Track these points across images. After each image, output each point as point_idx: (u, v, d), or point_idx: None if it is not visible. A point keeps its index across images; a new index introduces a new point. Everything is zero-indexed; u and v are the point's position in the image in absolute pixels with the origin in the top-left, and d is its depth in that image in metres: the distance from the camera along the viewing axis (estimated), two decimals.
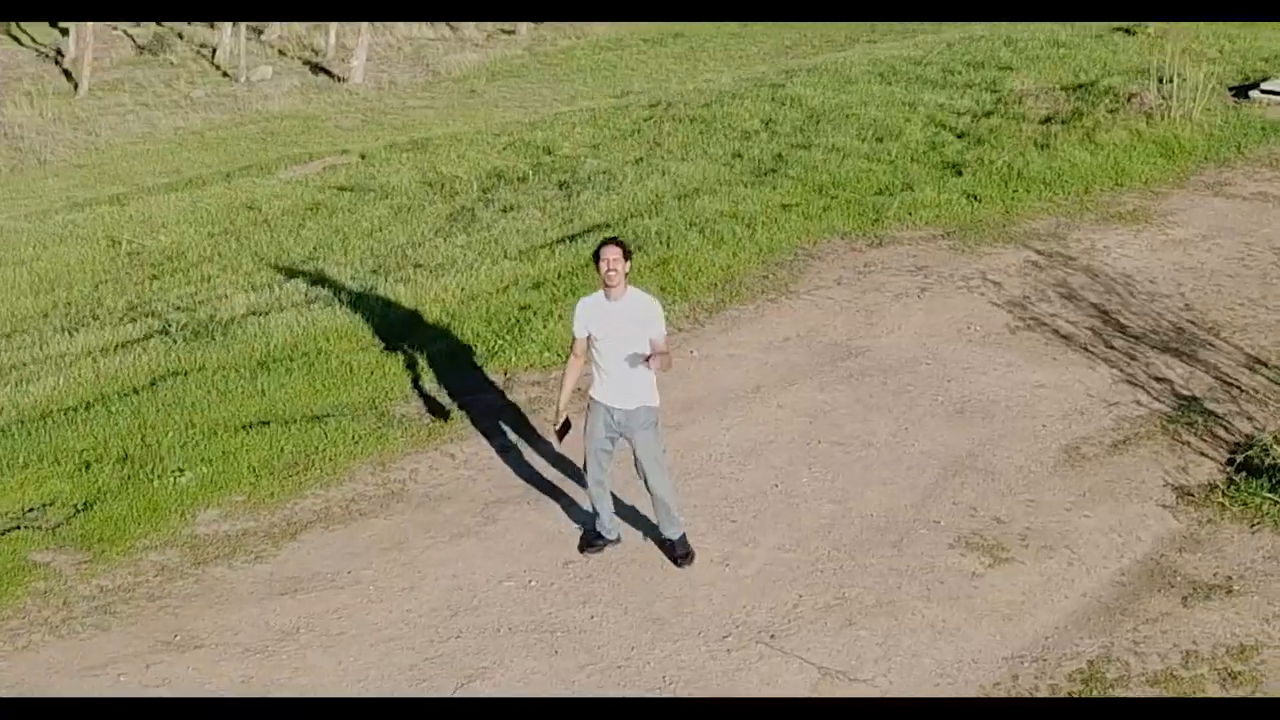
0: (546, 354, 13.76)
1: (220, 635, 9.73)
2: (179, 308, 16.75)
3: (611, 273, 9.91)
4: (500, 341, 14.04)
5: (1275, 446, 11.56)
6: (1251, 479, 11.35)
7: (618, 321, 10.06)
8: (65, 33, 43.14)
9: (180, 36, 44.94)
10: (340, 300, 15.66)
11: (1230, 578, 10.38)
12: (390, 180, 24.05)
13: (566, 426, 10.49)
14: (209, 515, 11.34)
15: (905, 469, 11.93)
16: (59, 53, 43.57)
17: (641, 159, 21.69)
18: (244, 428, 12.55)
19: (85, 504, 11.37)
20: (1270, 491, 11.15)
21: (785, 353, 14.02)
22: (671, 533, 10.63)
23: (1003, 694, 9.08)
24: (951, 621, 9.87)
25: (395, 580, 10.40)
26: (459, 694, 9.07)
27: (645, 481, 10.47)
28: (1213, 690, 9.09)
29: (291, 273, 17.98)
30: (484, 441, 12.43)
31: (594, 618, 9.95)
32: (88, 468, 11.81)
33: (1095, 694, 9.05)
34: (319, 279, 17.13)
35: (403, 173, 24.55)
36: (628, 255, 10.06)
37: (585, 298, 10.37)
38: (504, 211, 19.84)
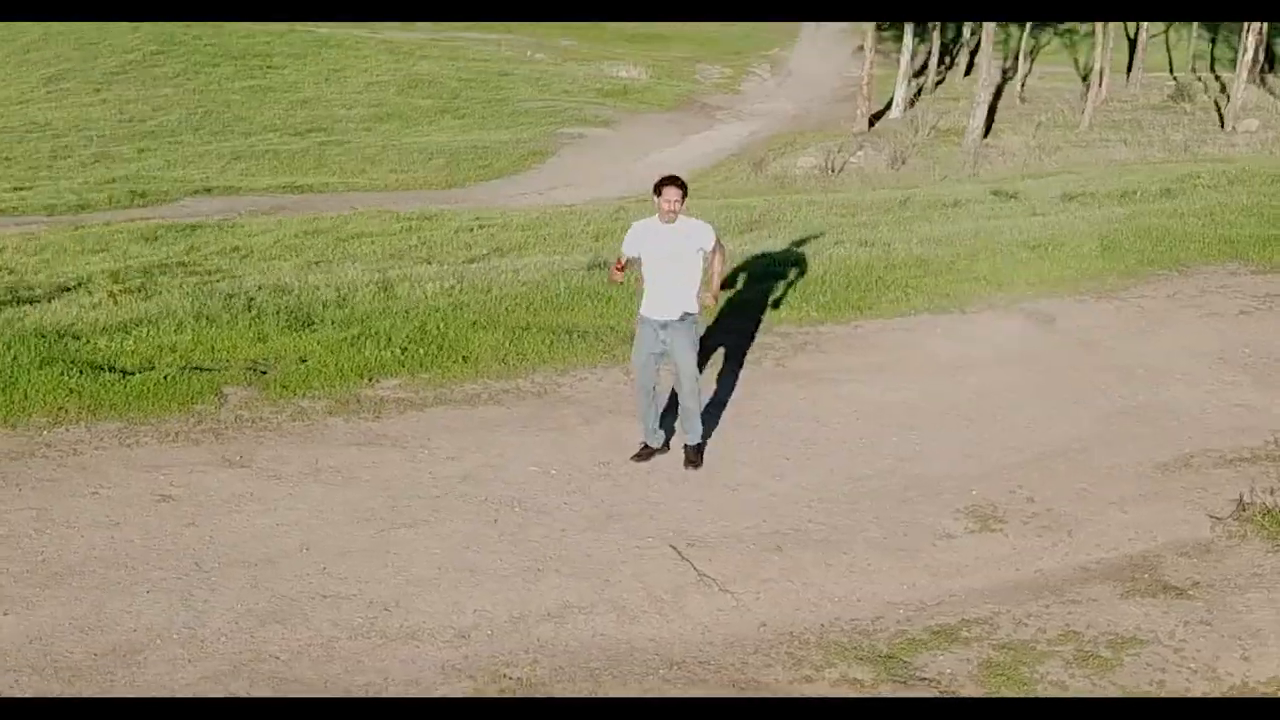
0: None
1: (268, 463, 11.22)
2: None
3: (671, 207, 10.74)
4: None
5: None
6: None
7: (667, 241, 10.86)
8: (1084, 78, 46.80)
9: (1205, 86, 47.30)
10: None
11: (1198, 584, 9.61)
12: None
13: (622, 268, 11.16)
14: (391, 383, 12.91)
15: (1006, 448, 11.71)
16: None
17: None
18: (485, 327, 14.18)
19: (301, 359, 13.32)
20: None
21: None
22: (690, 439, 11.36)
23: (855, 630, 9.09)
24: (877, 566, 9.78)
25: (447, 450, 11.51)
26: (380, 535, 10.14)
27: (682, 390, 11.20)
28: (1049, 666, 8.64)
29: None
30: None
31: (565, 504, 10.64)
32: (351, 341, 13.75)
33: (938, 646, 8.87)
34: None
35: None
36: (684, 193, 10.82)
37: (639, 220, 11.17)
38: None
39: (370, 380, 12.88)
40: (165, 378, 12.73)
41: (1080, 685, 8.44)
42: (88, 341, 13.87)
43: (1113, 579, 9.68)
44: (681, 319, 10.97)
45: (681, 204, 10.81)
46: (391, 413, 12.26)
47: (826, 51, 43.39)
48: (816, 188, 33.23)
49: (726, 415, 12.33)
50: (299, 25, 57.98)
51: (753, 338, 14.16)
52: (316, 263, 21.88)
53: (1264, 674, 8.50)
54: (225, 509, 10.40)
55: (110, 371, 12.81)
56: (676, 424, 11.57)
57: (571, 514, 10.45)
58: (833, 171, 37.35)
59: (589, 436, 11.86)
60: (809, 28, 60.91)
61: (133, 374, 12.85)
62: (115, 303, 16.27)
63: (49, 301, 16.81)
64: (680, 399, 11.33)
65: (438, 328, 14.10)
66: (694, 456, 11.37)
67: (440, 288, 16.17)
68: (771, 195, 30.42)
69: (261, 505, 10.46)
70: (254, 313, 14.71)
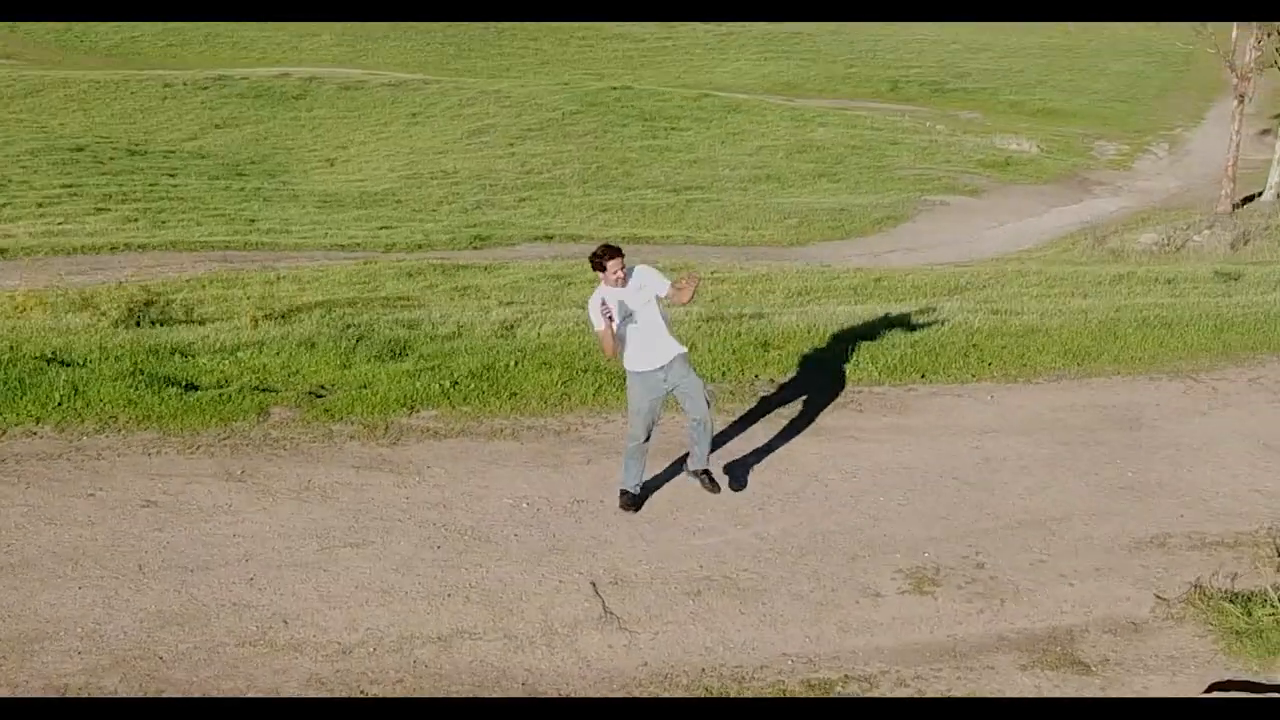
0: None
1: (263, 479, 11.62)
2: None
3: (617, 275, 10.78)
4: None
5: None
6: (1247, 599, 9.70)
7: (631, 300, 10.90)
8: None
9: None
10: None
11: (1108, 661, 9.26)
12: None
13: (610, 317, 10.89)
14: (429, 413, 13.20)
15: (985, 514, 11.39)
16: None
17: None
18: (551, 367, 14.39)
19: (361, 386, 13.75)
20: (1243, 609, 9.54)
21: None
22: (699, 465, 11.42)
23: (732, 677, 9.00)
24: (790, 617, 9.69)
25: (438, 478, 11.74)
26: (322, 552, 10.42)
27: (690, 415, 11.19)
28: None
29: None
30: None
31: (515, 536, 10.76)
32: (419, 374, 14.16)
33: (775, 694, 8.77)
34: None
35: None
36: (620, 257, 10.83)
37: (594, 294, 10.98)
38: None
39: (412, 410, 13.22)
40: (224, 395, 13.33)
41: None
42: (190, 359, 14.62)
43: (1023, 650, 9.38)
44: (679, 356, 11.05)
45: (621, 271, 10.82)
46: (410, 440, 12.58)
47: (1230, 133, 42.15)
48: (1117, 260, 32.26)
49: (728, 463, 12.26)
50: (713, 91, 59.61)
51: (798, 394, 14.02)
52: (510, 303, 22.24)
53: None
54: (198, 518, 10.86)
55: (177, 386, 13.47)
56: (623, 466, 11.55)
57: (516, 546, 10.59)
58: (1173, 248, 36.38)
59: (582, 475, 11.94)
60: (1216, 109, 59.41)
61: (197, 389, 13.50)
62: (254, 326, 17.03)
63: (201, 324, 17.67)
64: (695, 429, 11.27)
65: (506, 365, 14.36)
66: (707, 483, 11.45)
67: (555, 330, 16.41)
68: (1023, 263, 29.70)
69: (232, 517, 10.89)
70: (356, 343, 15.23)
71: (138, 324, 17.08)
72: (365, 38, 76.41)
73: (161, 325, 16.94)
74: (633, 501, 11.38)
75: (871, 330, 16.03)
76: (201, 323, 17.55)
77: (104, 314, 17.22)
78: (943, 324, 16.47)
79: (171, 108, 53.99)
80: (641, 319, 10.98)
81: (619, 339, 10.96)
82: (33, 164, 40.23)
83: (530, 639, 9.31)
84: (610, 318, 10.79)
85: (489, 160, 45.12)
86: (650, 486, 11.62)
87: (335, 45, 74.56)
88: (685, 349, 11.23)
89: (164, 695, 8.47)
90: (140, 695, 8.46)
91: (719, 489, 11.47)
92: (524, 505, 11.29)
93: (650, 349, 11.05)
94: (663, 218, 37.37)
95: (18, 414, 12.76)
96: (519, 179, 42.34)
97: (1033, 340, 15.86)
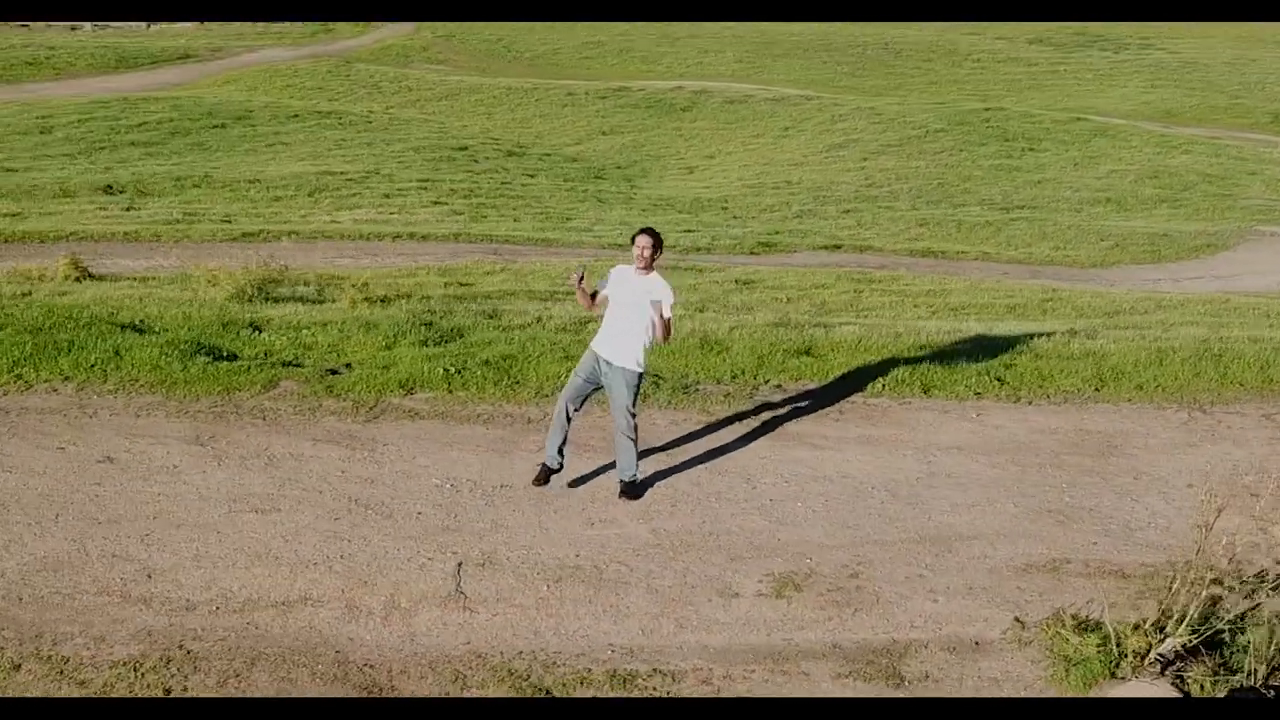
0: None
1: (224, 446, 12.08)
2: None
3: (641, 254, 10.96)
4: None
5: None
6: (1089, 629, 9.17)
7: (633, 289, 11.05)
8: None
9: None
10: None
11: (928, 678, 8.99)
12: None
13: (581, 278, 11.10)
14: (424, 395, 13.47)
15: (895, 526, 11.05)
16: None
17: None
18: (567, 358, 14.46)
19: (383, 367, 14.13)
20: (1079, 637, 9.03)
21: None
22: (624, 475, 11.49)
23: (540, 662, 9.01)
24: (633, 610, 9.68)
25: (389, 456, 12.01)
26: (226, 516, 10.79)
27: (616, 426, 11.34)
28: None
29: None
30: (673, 414, 13.38)
31: (419, 515, 10.95)
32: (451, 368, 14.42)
33: (596, 688, 8.70)
34: None
35: None
36: (658, 243, 11.02)
37: (621, 265, 11.34)
38: None
39: (409, 392, 13.51)
40: (247, 367, 13.87)
41: None
42: (257, 333, 15.22)
43: (848, 660, 9.16)
44: (622, 369, 11.10)
45: (652, 252, 10.95)
46: (386, 419, 12.87)
47: None
48: None
49: (675, 462, 12.22)
50: (1087, 115, 58.21)
51: (793, 401, 13.83)
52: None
53: None
54: (138, 476, 11.37)
55: (210, 357, 14.07)
56: (565, 451, 11.59)
57: (411, 523, 10.77)
58: None
59: (524, 463, 12.02)
60: None
61: (235, 359, 14.07)
62: (352, 307, 17.56)
63: (320, 303, 18.26)
64: (616, 435, 11.40)
65: (529, 356, 14.52)
66: (626, 490, 11.47)
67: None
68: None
69: (170, 478, 11.36)
70: (414, 327, 15.58)
71: (250, 300, 17.85)
72: (767, 55, 76.95)
73: (277, 301, 17.62)
74: (542, 475, 11.49)
75: (931, 345, 15.62)
76: (319, 302, 18.19)
77: (242, 289, 18.03)
78: (1015, 345, 15.90)
79: (568, 115, 55.85)
80: (624, 312, 11.06)
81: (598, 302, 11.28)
82: (410, 159, 41.92)
83: (370, 611, 9.48)
84: (592, 296, 11.13)
85: (836, 173, 44.89)
86: (583, 479, 11.66)
87: (736, 62, 75.25)
88: (637, 368, 11.16)
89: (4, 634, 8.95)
90: (17, 643, 8.95)
91: (634, 498, 11.39)
92: (448, 486, 11.46)
93: (610, 339, 11.15)
94: (973, 234, 36.36)
95: (50, 372, 13.53)
96: (855, 191, 41.85)
97: (1083, 364, 15.18)
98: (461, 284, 21.68)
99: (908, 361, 14.82)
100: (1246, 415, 13.94)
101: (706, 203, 39.55)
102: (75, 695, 8.36)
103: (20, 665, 8.65)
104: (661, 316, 10.98)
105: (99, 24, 76.52)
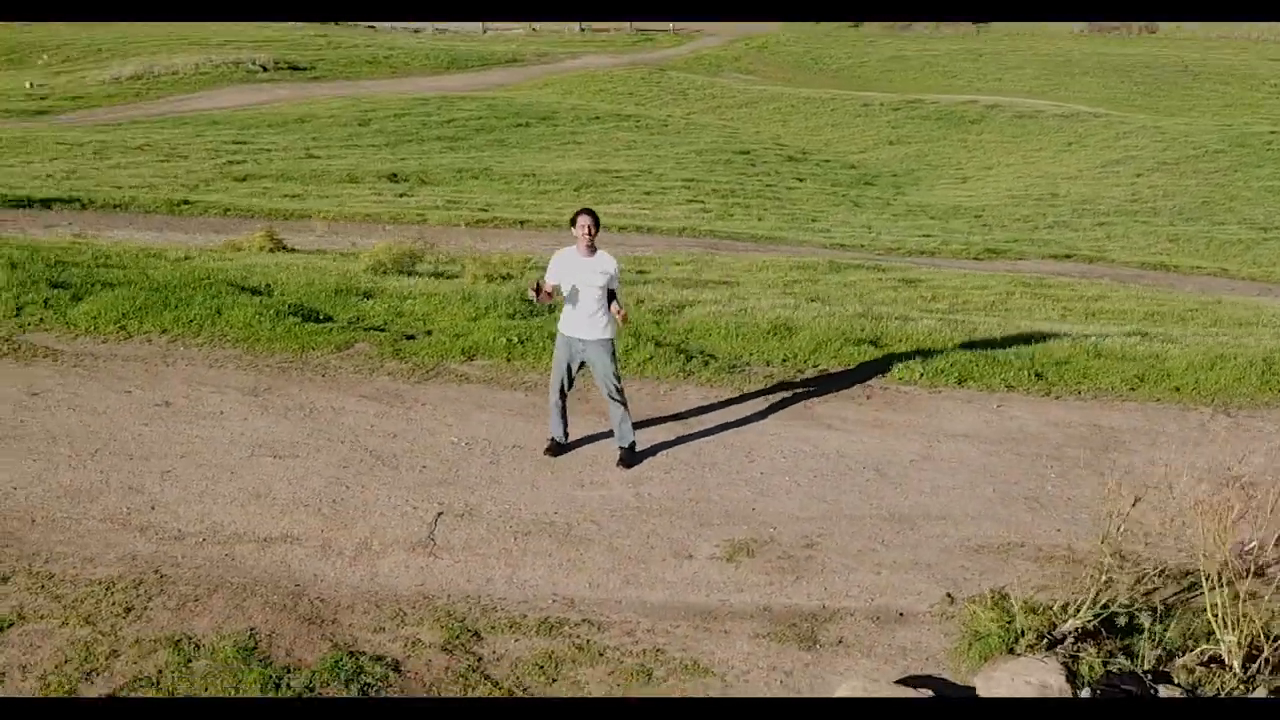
0: None
1: (275, 397, 12.72)
2: None
3: (585, 233, 11.20)
4: None
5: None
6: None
7: (584, 272, 11.28)
8: None
9: None
10: None
11: (839, 643, 9.02)
12: None
13: (538, 289, 11.28)
14: (482, 363, 13.91)
15: (869, 503, 11.05)
16: None
17: None
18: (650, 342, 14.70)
19: (456, 335, 14.62)
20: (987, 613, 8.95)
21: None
22: (621, 441, 11.69)
23: (480, 607, 9.35)
24: (587, 565, 9.88)
25: (420, 415, 12.47)
26: (248, 459, 11.37)
27: (605, 395, 11.60)
28: (583, 673, 8.63)
29: None
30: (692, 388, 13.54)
31: (423, 468, 11.38)
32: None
33: (521, 633, 9.02)
34: None
35: None
36: (596, 222, 11.27)
37: (561, 250, 11.53)
38: None
39: (470, 358, 13.95)
40: (331, 329, 14.52)
41: (559, 690, 8.42)
42: (365, 299, 15.93)
43: (772, 622, 9.24)
44: (597, 341, 11.37)
45: (590, 231, 11.18)
46: (436, 382, 13.33)
47: None
48: None
49: (686, 433, 12.37)
50: None
51: (829, 385, 13.83)
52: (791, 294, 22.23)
53: None
54: (187, 420, 12.04)
55: (300, 318, 14.79)
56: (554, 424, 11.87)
57: (412, 475, 11.17)
58: None
59: (544, 428, 12.26)
60: None
61: (329, 321, 14.78)
62: (472, 282, 18.14)
63: (434, 276, 18.87)
64: (609, 406, 11.63)
65: None
66: (625, 457, 11.64)
67: (718, 311, 16.48)
68: None
69: (212, 423, 12.01)
70: (504, 301, 16.01)
71: (384, 272, 18.58)
72: (1065, 73, 75.23)
73: (409, 275, 18.30)
74: (553, 448, 11.73)
75: (999, 341, 15.31)
76: (450, 276, 18.82)
77: (381, 262, 18.80)
78: (1081, 344, 15.49)
79: (859, 124, 55.58)
80: (584, 293, 11.29)
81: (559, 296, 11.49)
82: (688, 161, 42.46)
83: (341, 551, 9.92)
84: (548, 293, 11.27)
85: (1106, 187, 43.70)
86: (587, 441, 11.92)
87: (1034, 79, 73.51)
88: (610, 336, 11.42)
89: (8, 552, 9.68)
90: (14, 559, 9.70)
91: (626, 465, 11.57)
92: (463, 444, 11.84)
93: (578, 319, 11.38)
94: (1220, 252, 34.84)
95: (152, 325, 14.41)
96: (1118, 206, 40.59)
97: (1132, 365, 14.67)
98: (640, 272, 22.00)
99: (959, 354, 14.59)
100: (1269, 420, 13.42)
101: (961, 211, 38.68)
102: (49, 608, 9.05)
103: (9, 578, 9.34)
104: (619, 308, 11.26)
105: (439, 28, 79.25)
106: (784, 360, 14.38)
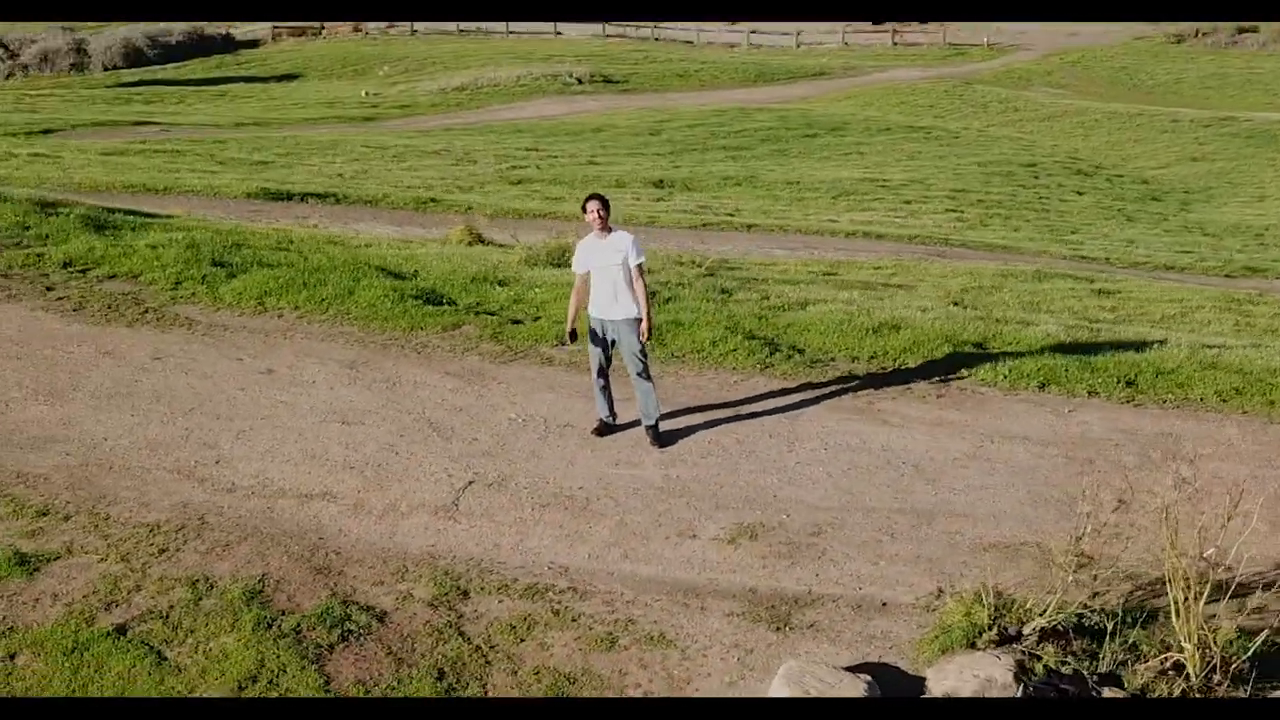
0: None
1: (365, 369, 13.35)
2: None
3: (596, 217, 11.55)
4: None
5: None
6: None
7: (604, 253, 11.63)
8: None
9: None
10: None
11: (812, 627, 9.09)
12: None
13: (573, 336, 12.00)
14: (575, 348, 14.17)
15: (891, 495, 11.04)
16: None
17: None
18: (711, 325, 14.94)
19: (557, 321, 14.89)
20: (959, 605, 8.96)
21: None
22: (646, 420, 11.94)
23: (479, 569, 9.75)
24: (595, 537, 10.11)
25: (489, 391, 12.93)
26: (320, 424, 11.98)
27: (630, 373, 11.87)
28: (552, 635, 8.98)
29: None
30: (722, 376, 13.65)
31: (474, 439, 11.83)
32: None
33: (507, 596, 9.42)
34: None
35: None
36: (606, 204, 11.60)
37: (584, 237, 11.87)
38: None
39: (563, 343, 14.34)
40: (446, 312, 15.15)
41: (525, 650, 8.81)
42: (498, 286, 16.55)
43: (756, 603, 9.29)
44: (624, 320, 11.67)
45: (601, 215, 11.53)
46: (521, 362, 13.76)
47: None
48: None
49: (737, 419, 12.52)
50: None
51: (905, 380, 13.81)
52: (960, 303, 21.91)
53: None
54: (280, 387, 12.75)
55: (421, 300, 15.48)
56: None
57: (462, 446, 11.60)
58: None
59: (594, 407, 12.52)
60: None
61: (451, 305, 15.45)
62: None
63: None
64: (634, 383, 11.86)
65: (701, 323, 15.01)
66: (653, 437, 11.87)
67: (829, 310, 16.37)
68: None
69: (301, 390, 12.69)
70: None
71: (534, 264, 19.21)
72: None
73: (557, 266, 18.83)
74: (600, 428, 12.01)
75: (1114, 347, 14.88)
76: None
77: (535, 255, 19.43)
78: (1200, 356, 14.98)
79: (1164, 140, 54.07)
80: (606, 274, 11.59)
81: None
82: (965, 171, 41.90)
83: (370, 510, 10.45)
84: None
85: None
86: (637, 424, 12.17)
87: None
88: (635, 314, 11.65)
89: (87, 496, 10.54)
90: (82, 500, 10.52)
91: (658, 445, 11.78)
92: (520, 420, 12.24)
93: (603, 300, 11.67)
94: None
95: (287, 302, 15.37)
96: None
97: (1239, 378, 13.88)
98: (826, 274, 22.07)
99: (1056, 358, 14.19)
100: None
101: (1242, 229, 36.76)
102: (95, 545, 9.84)
103: (71, 517, 10.16)
104: (639, 276, 11.59)
105: (755, 42, 79.62)
106: (871, 357, 14.37)
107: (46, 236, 17.60)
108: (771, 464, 11.56)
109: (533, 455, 11.54)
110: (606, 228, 11.60)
